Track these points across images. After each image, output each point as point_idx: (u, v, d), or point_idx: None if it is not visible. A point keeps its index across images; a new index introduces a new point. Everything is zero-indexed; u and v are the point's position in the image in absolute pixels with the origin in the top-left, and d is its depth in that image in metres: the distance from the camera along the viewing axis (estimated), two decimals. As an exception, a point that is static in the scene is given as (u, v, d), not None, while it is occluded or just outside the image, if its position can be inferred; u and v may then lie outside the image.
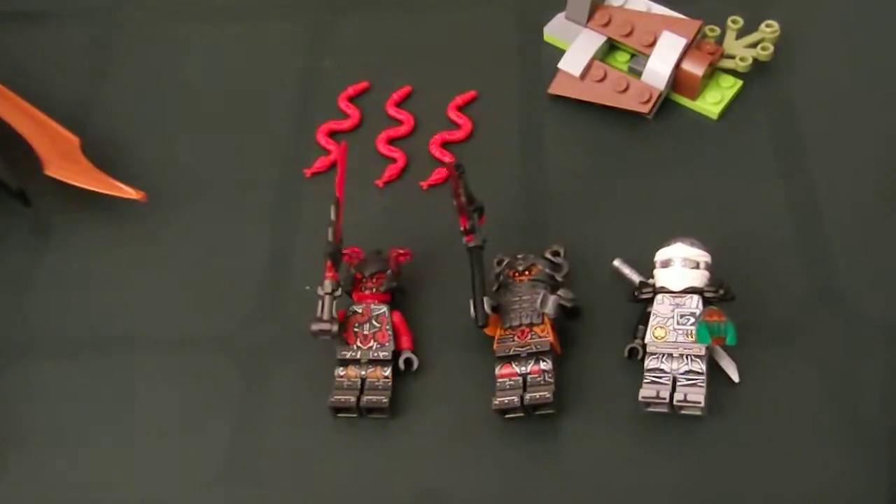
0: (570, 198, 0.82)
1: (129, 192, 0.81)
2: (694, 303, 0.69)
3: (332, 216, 0.71)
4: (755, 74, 0.86)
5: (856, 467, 0.67)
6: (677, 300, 0.70)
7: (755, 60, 0.85)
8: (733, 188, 0.81)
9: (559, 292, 0.71)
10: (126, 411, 0.73)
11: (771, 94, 0.87)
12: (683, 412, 0.68)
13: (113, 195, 0.80)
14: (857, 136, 0.83)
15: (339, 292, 0.71)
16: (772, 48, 0.85)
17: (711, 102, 0.85)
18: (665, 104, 0.86)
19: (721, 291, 0.69)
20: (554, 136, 0.86)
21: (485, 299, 0.70)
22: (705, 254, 0.71)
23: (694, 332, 0.68)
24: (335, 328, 0.70)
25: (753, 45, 0.85)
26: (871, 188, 0.80)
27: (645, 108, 0.84)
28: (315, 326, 0.70)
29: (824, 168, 0.82)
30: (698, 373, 0.68)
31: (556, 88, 0.87)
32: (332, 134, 0.88)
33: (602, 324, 0.74)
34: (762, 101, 0.86)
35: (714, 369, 0.70)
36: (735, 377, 0.70)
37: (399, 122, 0.88)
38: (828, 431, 0.68)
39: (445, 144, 0.86)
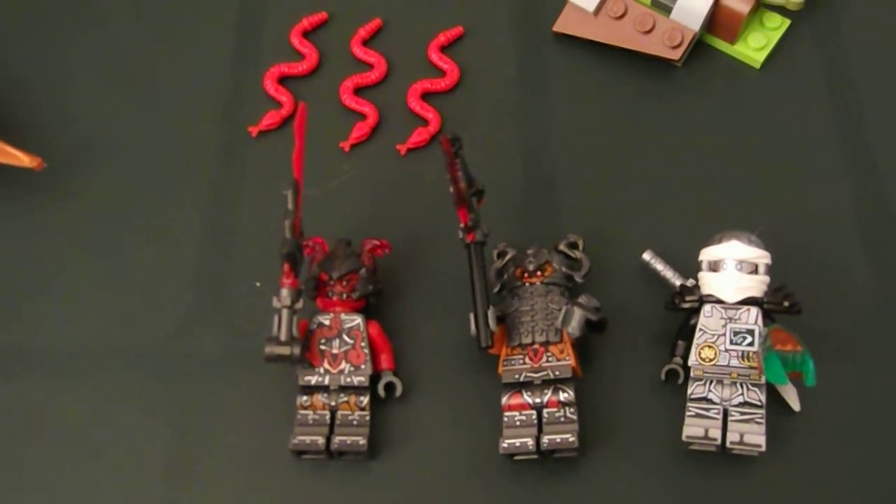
0: (583, 169, 0.67)
1: (21, 160, 0.63)
2: (752, 317, 0.55)
3: (290, 204, 0.55)
4: (804, 12, 0.70)
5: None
6: (730, 313, 0.56)
7: (809, -5, 0.69)
8: (781, 155, 0.67)
9: (581, 300, 0.56)
10: (24, 449, 0.58)
11: (823, 36, 0.71)
12: (735, 452, 0.55)
13: (1, 164, 0.64)
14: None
15: (300, 304, 0.55)
16: (830, -21, 0.70)
17: (755, 47, 0.69)
18: (697, 49, 0.70)
19: (786, 303, 0.55)
20: (561, 88, 0.70)
21: (490, 311, 0.54)
22: (765, 254, 0.57)
23: (752, 353, 0.55)
24: (297, 351, 0.54)
25: (807, -24, 0.70)
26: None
27: (675, 54, 0.68)
28: (271, 350, 0.54)
29: (890, 129, 0.67)
30: (756, 405, 0.55)
31: (564, 26, 0.71)
32: (284, 80, 0.70)
33: (631, 337, 0.60)
34: (813, 45, 0.71)
35: (770, 395, 0.56)
36: (795, 406, 0.57)
37: (368, 66, 0.70)
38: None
39: (426, 95, 0.69)
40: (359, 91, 0.69)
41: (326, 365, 0.57)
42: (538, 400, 0.55)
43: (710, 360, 0.55)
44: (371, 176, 0.67)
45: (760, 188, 0.65)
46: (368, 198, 0.66)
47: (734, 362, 0.55)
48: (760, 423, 0.54)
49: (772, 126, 0.68)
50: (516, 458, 0.55)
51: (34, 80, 0.71)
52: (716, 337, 0.56)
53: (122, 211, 0.65)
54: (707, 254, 0.57)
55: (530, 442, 0.54)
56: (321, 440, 0.55)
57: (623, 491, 0.56)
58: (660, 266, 0.61)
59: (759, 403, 0.55)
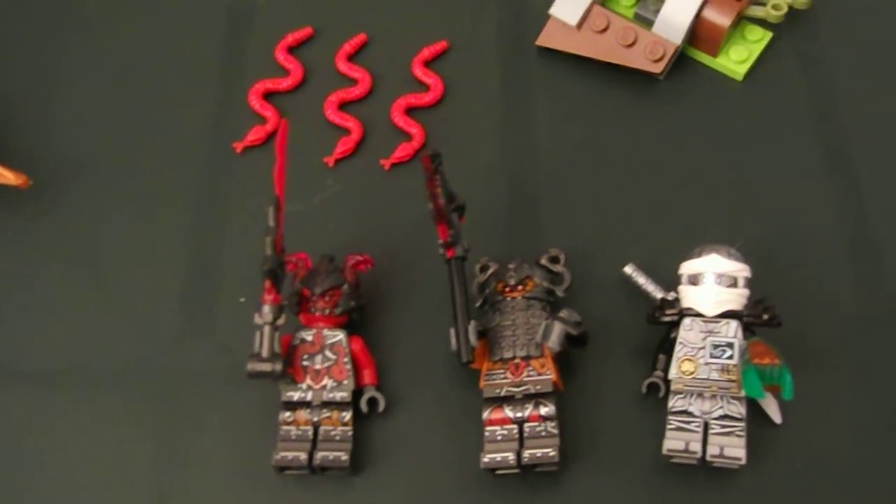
0: (565, 182, 0.67)
1: (7, 177, 0.64)
2: (731, 330, 0.56)
3: (271, 221, 0.55)
4: (785, 25, 0.71)
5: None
6: (710, 326, 0.56)
7: (790, 8, 0.69)
8: (763, 168, 0.67)
9: (562, 314, 0.57)
10: (8, 466, 0.58)
11: (805, 49, 0.72)
12: (716, 465, 0.55)
13: (-15, 181, 0.65)
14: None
15: (282, 320, 0.55)
16: (812, -9, 0.70)
17: (736, 60, 0.70)
18: (679, 62, 0.70)
19: (765, 316, 0.56)
20: (544, 102, 0.70)
21: (470, 327, 0.55)
22: (744, 267, 0.57)
23: (732, 367, 0.55)
24: (278, 367, 0.54)
25: (789, -11, 0.70)
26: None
27: (656, 68, 0.68)
28: (252, 366, 0.54)
29: (870, 141, 0.67)
30: (737, 418, 0.55)
31: (547, 40, 0.71)
32: (268, 95, 0.70)
33: (612, 350, 0.60)
34: (794, 57, 0.71)
35: (750, 407, 0.56)
36: (777, 418, 0.57)
37: (353, 82, 0.71)
38: (890, 480, 0.56)
39: (411, 110, 0.69)
40: (343, 106, 0.70)
41: (309, 381, 0.57)
42: (519, 414, 0.55)
43: (691, 374, 0.56)
44: (355, 191, 0.67)
45: (742, 201, 0.65)
46: (352, 213, 0.66)
47: (714, 375, 0.55)
48: (741, 437, 0.54)
49: (754, 139, 0.68)
50: (498, 472, 0.56)
51: (18, 97, 0.71)
52: (696, 350, 0.56)
53: (107, 227, 0.66)
54: (687, 267, 0.57)
55: (511, 457, 0.54)
56: (304, 456, 0.55)
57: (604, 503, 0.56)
58: (641, 280, 0.61)
59: (739, 416, 0.55)
